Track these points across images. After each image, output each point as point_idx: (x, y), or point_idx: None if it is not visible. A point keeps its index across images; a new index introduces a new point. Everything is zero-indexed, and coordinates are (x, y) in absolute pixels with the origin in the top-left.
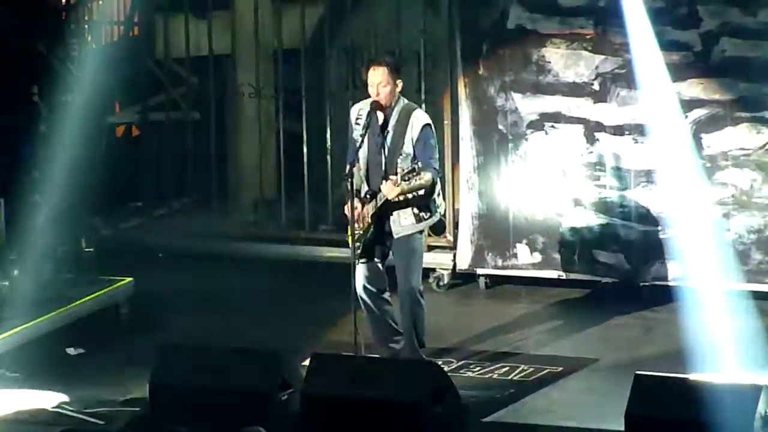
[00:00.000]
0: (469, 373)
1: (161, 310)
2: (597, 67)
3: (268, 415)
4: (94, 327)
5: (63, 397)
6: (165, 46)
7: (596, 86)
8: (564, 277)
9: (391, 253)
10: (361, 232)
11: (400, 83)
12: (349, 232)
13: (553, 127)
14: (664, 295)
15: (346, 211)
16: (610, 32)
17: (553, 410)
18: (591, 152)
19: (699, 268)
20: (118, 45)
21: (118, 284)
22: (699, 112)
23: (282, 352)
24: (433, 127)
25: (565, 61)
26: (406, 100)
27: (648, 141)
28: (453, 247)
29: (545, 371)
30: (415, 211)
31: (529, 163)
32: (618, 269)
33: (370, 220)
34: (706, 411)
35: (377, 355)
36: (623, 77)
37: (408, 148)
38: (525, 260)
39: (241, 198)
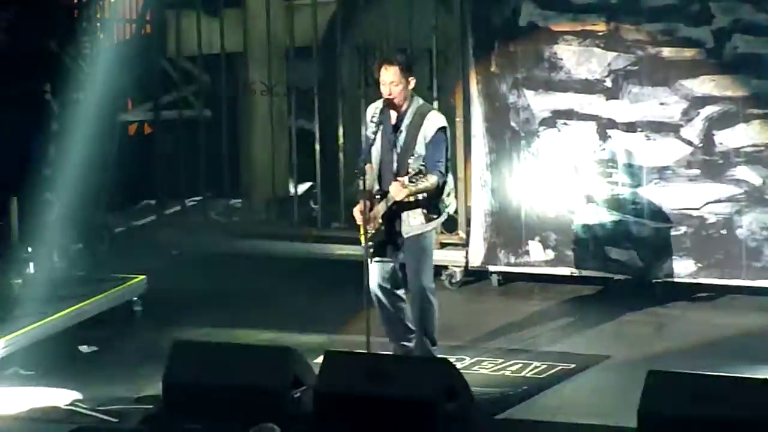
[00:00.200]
0: (482, 370)
1: (174, 307)
2: (609, 64)
3: (280, 412)
4: (107, 325)
5: (76, 395)
6: (177, 44)
7: (608, 83)
8: (576, 274)
9: (402, 252)
10: (373, 231)
11: (412, 81)
12: (362, 231)
13: (565, 124)
14: (677, 292)
15: (355, 214)
16: (623, 29)
17: (565, 407)
18: (603, 149)
19: (711, 264)
20: (130, 43)
21: (131, 282)
22: (711, 109)
23: (294, 349)
24: (447, 130)
25: (578, 58)
26: (421, 100)
27: (660, 138)
28: (465, 245)
29: (558, 368)
30: (425, 211)
31: (542, 160)
32: (630, 266)
33: (381, 220)
34: (718, 408)
35: (390, 353)
36: (635, 74)
37: (420, 148)
38: (537, 257)
39: (253, 195)
